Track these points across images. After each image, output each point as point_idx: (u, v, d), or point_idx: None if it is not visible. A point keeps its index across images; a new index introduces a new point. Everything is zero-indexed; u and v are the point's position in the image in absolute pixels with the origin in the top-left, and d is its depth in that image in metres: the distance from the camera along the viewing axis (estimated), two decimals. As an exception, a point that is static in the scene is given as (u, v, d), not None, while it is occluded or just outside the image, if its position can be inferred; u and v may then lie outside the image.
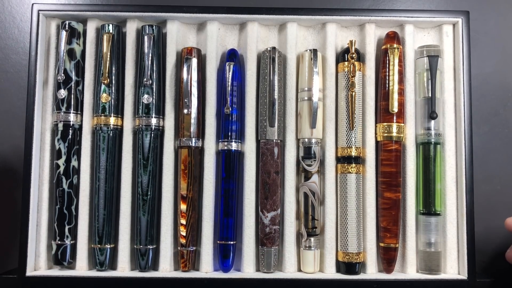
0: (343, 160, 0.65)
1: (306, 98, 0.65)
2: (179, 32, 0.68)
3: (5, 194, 0.71)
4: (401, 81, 0.65)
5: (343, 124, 0.66)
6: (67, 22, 0.66)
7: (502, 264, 0.61)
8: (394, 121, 0.65)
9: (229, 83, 0.65)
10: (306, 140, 0.65)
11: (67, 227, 0.64)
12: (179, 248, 0.64)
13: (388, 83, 0.65)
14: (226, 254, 0.64)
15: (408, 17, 0.67)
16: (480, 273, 0.65)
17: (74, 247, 0.65)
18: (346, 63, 0.66)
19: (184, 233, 0.64)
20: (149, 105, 0.65)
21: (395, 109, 0.64)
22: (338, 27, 0.68)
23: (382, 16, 0.66)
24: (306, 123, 0.65)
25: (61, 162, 0.65)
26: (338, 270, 0.65)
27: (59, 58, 0.65)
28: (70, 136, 0.65)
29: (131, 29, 0.67)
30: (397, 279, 0.63)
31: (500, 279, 0.59)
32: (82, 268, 0.65)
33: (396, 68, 0.65)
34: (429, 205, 0.65)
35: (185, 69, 0.65)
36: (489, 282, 0.63)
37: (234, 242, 0.65)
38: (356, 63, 0.65)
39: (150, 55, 0.65)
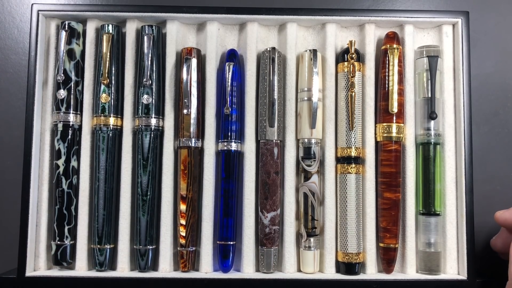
0: (343, 160, 0.65)
1: (305, 98, 0.65)
2: (179, 32, 0.68)
3: (5, 194, 0.71)
4: (401, 81, 0.65)
5: (342, 125, 0.66)
6: (66, 22, 0.66)
7: (502, 264, 0.61)
8: (394, 121, 0.65)
9: (229, 83, 0.65)
10: (306, 140, 0.65)
11: (66, 228, 0.64)
12: (178, 248, 0.64)
13: (388, 84, 0.65)
14: (226, 255, 0.64)
15: (408, 17, 0.67)
16: (480, 273, 0.65)
17: (73, 247, 0.65)
18: (345, 63, 0.66)
19: (183, 234, 0.64)
20: (149, 106, 0.65)
21: (395, 110, 0.64)
22: (338, 27, 0.68)
23: (382, 16, 0.66)
24: (305, 124, 0.65)
25: (60, 162, 0.65)
26: (338, 270, 0.65)
27: (59, 58, 0.65)
28: (69, 136, 0.65)
29: (130, 29, 0.67)
30: (396, 279, 0.63)
31: (500, 279, 0.59)
32: (81, 269, 0.65)
33: (396, 68, 0.65)
34: (428, 206, 0.65)
35: (184, 69, 0.65)
36: (489, 282, 0.63)
37: (234, 243, 0.65)
38: (356, 64, 0.65)
39: (150, 55, 0.65)
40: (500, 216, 0.60)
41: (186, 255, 0.64)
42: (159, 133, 0.66)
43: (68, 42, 0.65)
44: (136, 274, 0.63)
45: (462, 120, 0.65)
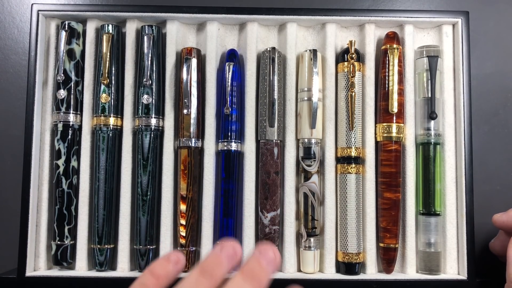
0: (343, 160, 0.65)
1: (305, 98, 0.65)
2: (178, 32, 0.68)
3: (5, 194, 0.71)
4: (401, 81, 0.65)
5: (342, 125, 0.66)
6: (66, 22, 0.66)
7: (502, 264, 0.61)
8: (394, 121, 0.65)
9: (229, 83, 0.65)
10: (306, 140, 0.65)
11: (66, 228, 0.64)
12: (178, 248, 0.64)
13: (388, 84, 0.65)
14: (226, 255, 0.64)
15: (408, 17, 0.67)
16: (480, 273, 0.65)
17: (73, 247, 0.65)
18: (345, 63, 0.66)
19: (183, 234, 0.64)
20: (149, 105, 0.65)
21: (395, 110, 0.64)
22: (338, 27, 0.68)
23: (382, 16, 0.66)
24: (305, 123, 0.65)
25: (60, 162, 0.65)
26: (338, 270, 0.65)
27: (59, 58, 0.65)
28: (69, 137, 0.65)
29: (130, 29, 0.67)
30: (397, 279, 0.63)
31: (500, 279, 0.59)
32: (81, 269, 0.65)
33: (396, 68, 0.65)
34: (428, 205, 0.65)
35: (184, 69, 0.65)
36: (489, 282, 0.63)
37: (234, 243, 0.65)
38: (356, 64, 0.65)
39: (150, 55, 0.65)
40: (498, 219, 0.60)
41: (186, 255, 0.64)
42: (159, 133, 0.66)
43: (68, 42, 0.65)
44: (136, 274, 0.63)
45: (462, 120, 0.65)
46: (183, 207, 0.64)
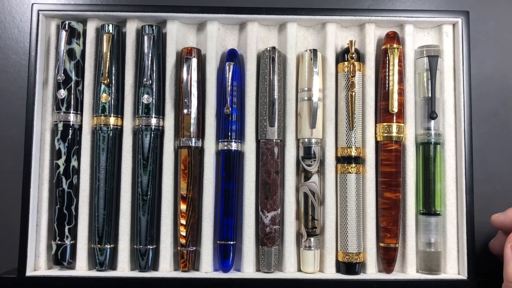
0: (343, 160, 0.65)
1: (306, 98, 0.65)
2: (179, 32, 0.68)
3: (5, 194, 0.71)
4: (401, 81, 0.65)
5: (343, 124, 0.66)
6: (67, 22, 0.66)
7: (502, 264, 0.61)
8: (394, 121, 0.65)
9: (229, 83, 0.65)
10: (306, 140, 0.65)
11: (67, 227, 0.64)
12: (179, 248, 0.65)
13: (388, 83, 0.65)
14: (226, 254, 0.64)
15: (408, 17, 0.67)
16: (480, 273, 0.65)
17: (74, 247, 0.65)
18: (346, 63, 0.66)
19: (184, 233, 0.64)
20: (149, 105, 0.65)
21: (395, 109, 0.64)
22: (338, 27, 0.68)
23: (382, 16, 0.66)
24: (306, 123, 0.65)
25: (61, 162, 0.65)
26: (338, 270, 0.65)
27: (59, 58, 0.65)
28: (70, 136, 0.65)
29: (131, 29, 0.67)
30: (397, 279, 0.63)
31: (500, 279, 0.59)
32: (82, 268, 0.65)
33: (396, 68, 0.65)
34: (429, 205, 0.65)
35: (185, 69, 0.65)
36: (489, 282, 0.63)
37: (234, 242, 0.65)
38: (356, 63, 0.65)
39: (150, 55, 0.65)
40: (496, 219, 0.61)
41: (186, 255, 0.64)
42: (159, 133, 0.66)
43: (68, 42, 0.65)
44: (137, 274, 0.63)
45: (462, 120, 0.65)
46: (183, 207, 0.64)
